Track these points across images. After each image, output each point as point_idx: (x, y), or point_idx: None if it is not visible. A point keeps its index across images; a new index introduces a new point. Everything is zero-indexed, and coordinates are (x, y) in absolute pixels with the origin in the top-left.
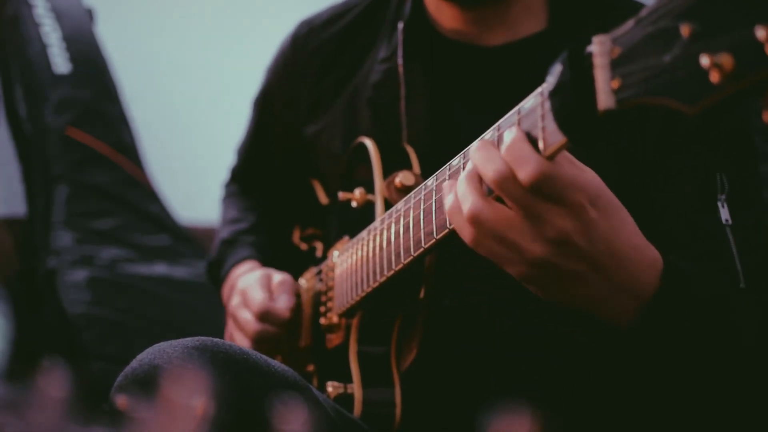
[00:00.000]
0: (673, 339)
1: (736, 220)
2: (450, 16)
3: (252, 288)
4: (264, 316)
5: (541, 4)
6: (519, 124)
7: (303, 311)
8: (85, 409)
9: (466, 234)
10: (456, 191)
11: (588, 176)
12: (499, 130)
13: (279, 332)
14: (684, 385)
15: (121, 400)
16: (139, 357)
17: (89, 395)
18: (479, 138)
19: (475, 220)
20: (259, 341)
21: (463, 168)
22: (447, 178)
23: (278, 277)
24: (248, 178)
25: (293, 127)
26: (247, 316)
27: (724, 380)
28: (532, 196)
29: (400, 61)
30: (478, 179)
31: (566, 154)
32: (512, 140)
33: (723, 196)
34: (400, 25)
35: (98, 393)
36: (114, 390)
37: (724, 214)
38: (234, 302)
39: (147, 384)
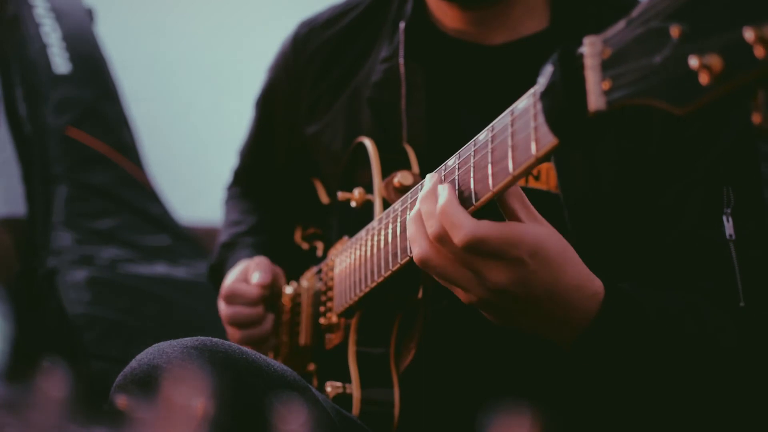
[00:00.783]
0: (614, 359)
1: (740, 235)
2: (451, 16)
3: (228, 277)
4: (231, 298)
5: (543, 3)
6: (512, 124)
7: (303, 311)
8: (85, 409)
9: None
10: (407, 229)
11: (529, 230)
12: (492, 130)
13: (254, 312)
14: (645, 397)
15: (121, 400)
16: (139, 357)
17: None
18: (472, 140)
19: (423, 264)
20: (235, 324)
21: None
22: (443, 178)
23: (256, 260)
24: (250, 179)
25: (294, 126)
26: (220, 305)
27: (689, 392)
28: (469, 254)
29: (401, 60)
30: (422, 222)
31: (518, 202)
32: (444, 204)
33: (728, 210)
34: (402, 25)
35: (98, 393)
36: (114, 390)
37: (728, 228)
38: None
39: (147, 384)
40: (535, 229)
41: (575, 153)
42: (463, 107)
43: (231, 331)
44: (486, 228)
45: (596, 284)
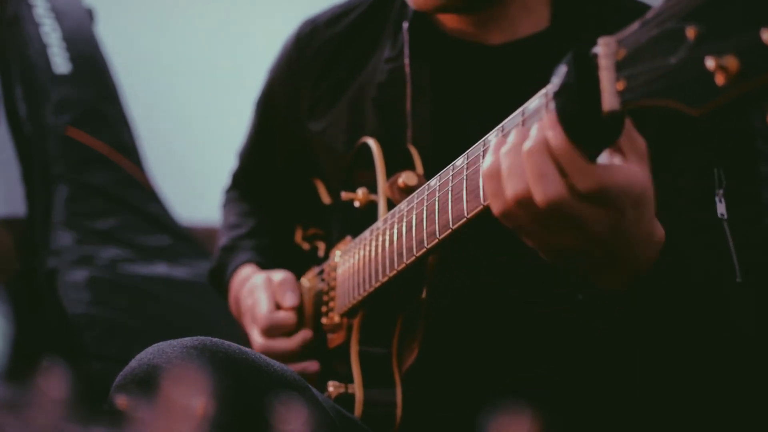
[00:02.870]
0: (661, 313)
1: (733, 215)
2: (451, 17)
3: (258, 303)
4: (270, 330)
5: (544, 3)
6: (523, 124)
7: (305, 311)
8: (85, 409)
9: (498, 204)
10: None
11: (638, 176)
12: (503, 131)
13: (294, 344)
14: (676, 367)
15: (120, 400)
16: (139, 357)
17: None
18: (483, 139)
19: (504, 218)
20: (272, 355)
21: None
22: (450, 178)
23: (278, 276)
24: (249, 180)
25: (296, 126)
26: (256, 335)
27: (714, 363)
28: (581, 202)
29: (406, 60)
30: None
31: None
32: (565, 149)
33: (721, 191)
34: (405, 25)
35: (98, 393)
36: (113, 390)
37: (720, 208)
38: (246, 321)
39: (146, 384)
40: (642, 174)
41: None
42: (467, 107)
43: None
44: (612, 173)
45: (660, 232)
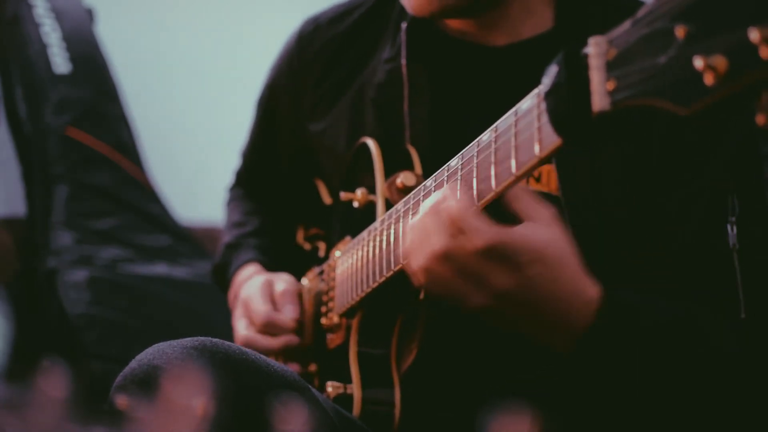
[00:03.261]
0: (610, 366)
1: (744, 244)
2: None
3: (254, 299)
4: (268, 326)
5: (547, 4)
6: (516, 124)
7: (305, 311)
8: (85, 409)
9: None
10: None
11: (537, 235)
12: (496, 131)
13: (295, 340)
14: (643, 402)
15: (121, 400)
16: (138, 357)
17: (89, 395)
18: (477, 139)
19: (426, 273)
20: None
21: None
22: (446, 179)
23: (281, 286)
24: (252, 179)
25: (297, 125)
26: (243, 328)
27: (686, 399)
28: (481, 259)
29: (403, 61)
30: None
31: (525, 203)
32: (460, 209)
33: (733, 219)
34: (404, 25)
35: (98, 393)
36: (113, 390)
37: (732, 237)
38: (237, 312)
39: (146, 384)
40: (541, 234)
41: (577, 155)
42: (467, 108)
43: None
44: (504, 233)
45: (592, 291)
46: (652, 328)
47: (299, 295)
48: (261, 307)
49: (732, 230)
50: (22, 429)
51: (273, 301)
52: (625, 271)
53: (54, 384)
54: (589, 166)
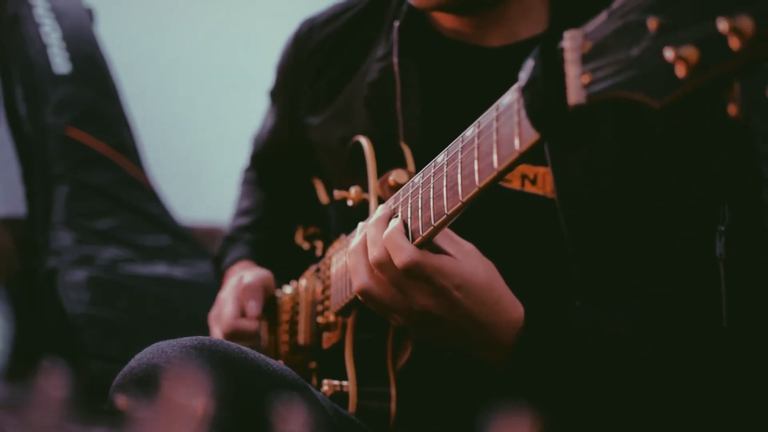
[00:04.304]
0: (547, 380)
1: (731, 255)
2: (448, 17)
3: (224, 300)
4: (233, 336)
5: (542, 6)
6: (498, 120)
7: (302, 310)
8: (85, 409)
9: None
10: (348, 258)
11: (459, 266)
12: (479, 126)
13: (252, 344)
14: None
15: (120, 400)
16: (138, 357)
17: (89, 395)
18: (461, 135)
19: (363, 293)
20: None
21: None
22: (432, 175)
23: (247, 279)
24: (264, 166)
25: (296, 125)
26: (217, 333)
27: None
28: (404, 277)
29: (395, 59)
30: (365, 252)
31: (449, 243)
32: (392, 231)
33: (722, 228)
34: (396, 24)
35: (98, 393)
36: (113, 390)
37: (719, 246)
38: (212, 313)
39: (146, 384)
40: (465, 266)
41: (572, 159)
42: (460, 107)
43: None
44: (424, 255)
45: (516, 313)
46: (583, 343)
47: (268, 289)
48: (227, 315)
49: (720, 239)
50: (22, 429)
51: (238, 298)
52: (618, 272)
53: (54, 384)
54: (584, 169)
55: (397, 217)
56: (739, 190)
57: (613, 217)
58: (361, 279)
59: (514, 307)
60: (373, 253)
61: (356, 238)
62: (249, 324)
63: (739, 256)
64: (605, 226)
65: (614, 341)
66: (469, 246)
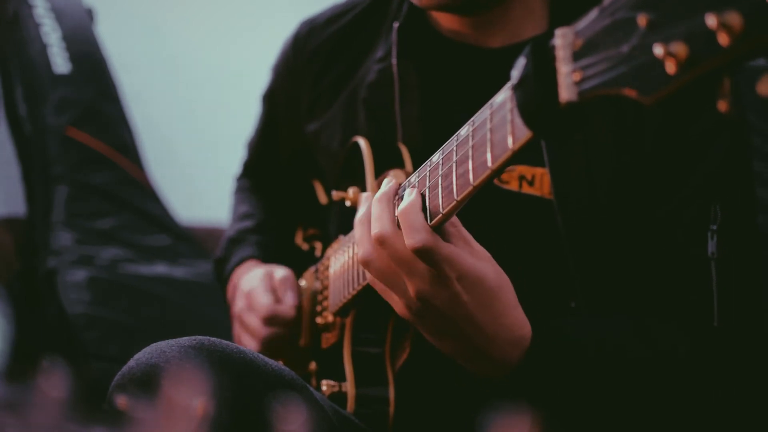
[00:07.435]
0: (541, 400)
1: (723, 254)
2: (448, 18)
3: (257, 291)
4: (271, 320)
5: (542, 7)
6: (491, 118)
7: (303, 310)
8: (85, 409)
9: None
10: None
11: (468, 261)
12: (473, 125)
13: (286, 332)
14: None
15: (120, 400)
16: (137, 356)
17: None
18: (456, 134)
19: (363, 264)
20: (268, 343)
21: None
22: (428, 175)
23: (280, 273)
24: (258, 173)
25: (295, 126)
26: (254, 321)
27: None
28: (410, 259)
29: (394, 60)
30: (369, 224)
31: (466, 245)
32: (408, 205)
33: (714, 227)
34: (395, 25)
35: (98, 393)
36: (112, 390)
37: (711, 246)
38: (239, 305)
39: (145, 383)
40: (475, 263)
41: (570, 159)
42: (459, 108)
43: (248, 341)
44: (437, 241)
45: (524, 329)
46: (588, 366)
47: (298, 286)
48: (264, 300)
49: (712, 238)
50: (22, 429)
51: (274, 289)
52: (616, 274)
53: (54, 384)
54: (582, 170)
55: (415, 187)
56: (732, 189)
57: (610, 218)
58: (364, 249)
59: (519, 325)
60: (375, 229)
61: (361, 207)
62: (288, 310)
63: (731, 256)
64: (602, 227)
65: (617, 360)
66: (484, 252)
